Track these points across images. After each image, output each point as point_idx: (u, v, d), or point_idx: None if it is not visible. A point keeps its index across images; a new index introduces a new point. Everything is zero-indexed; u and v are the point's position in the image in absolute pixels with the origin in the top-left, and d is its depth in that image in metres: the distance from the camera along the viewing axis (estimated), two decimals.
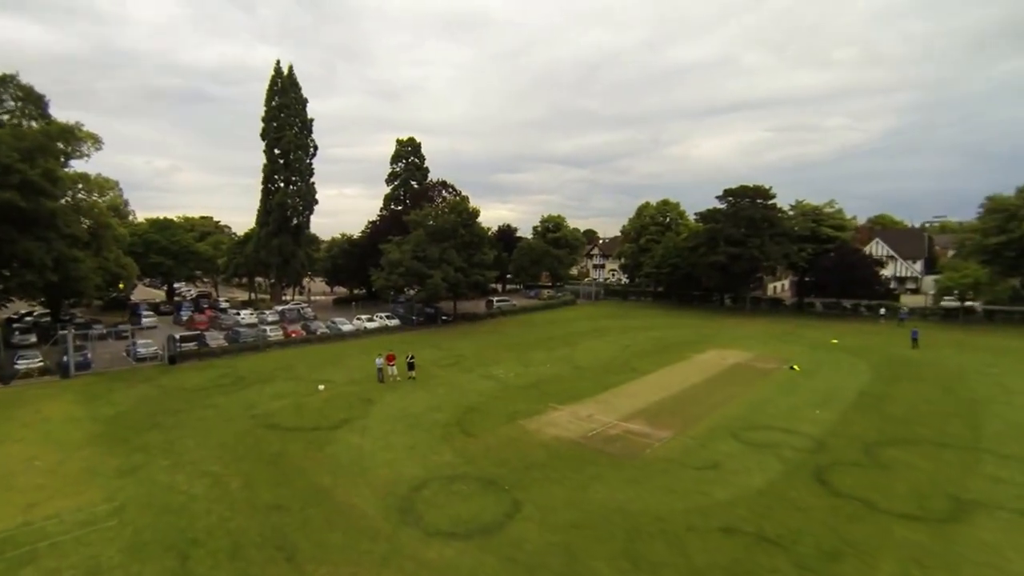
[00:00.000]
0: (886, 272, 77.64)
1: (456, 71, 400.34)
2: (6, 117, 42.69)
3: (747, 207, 70.24)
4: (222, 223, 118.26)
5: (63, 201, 48.07)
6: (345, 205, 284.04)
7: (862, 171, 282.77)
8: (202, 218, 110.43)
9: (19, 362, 37.98)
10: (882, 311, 63.36)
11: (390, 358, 36.07)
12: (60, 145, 42.46)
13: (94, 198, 53.17)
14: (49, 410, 29.75)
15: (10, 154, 35.53)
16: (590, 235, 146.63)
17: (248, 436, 25.30)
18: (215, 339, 47.18)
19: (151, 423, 27.25)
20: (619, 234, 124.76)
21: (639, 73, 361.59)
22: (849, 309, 68.63)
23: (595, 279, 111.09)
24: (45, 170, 38.10)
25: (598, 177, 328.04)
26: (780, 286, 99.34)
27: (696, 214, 75.74)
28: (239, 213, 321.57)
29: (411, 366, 36.19)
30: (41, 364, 38.29)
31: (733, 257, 67.34)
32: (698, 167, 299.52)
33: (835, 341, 49.14)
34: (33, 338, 47.42)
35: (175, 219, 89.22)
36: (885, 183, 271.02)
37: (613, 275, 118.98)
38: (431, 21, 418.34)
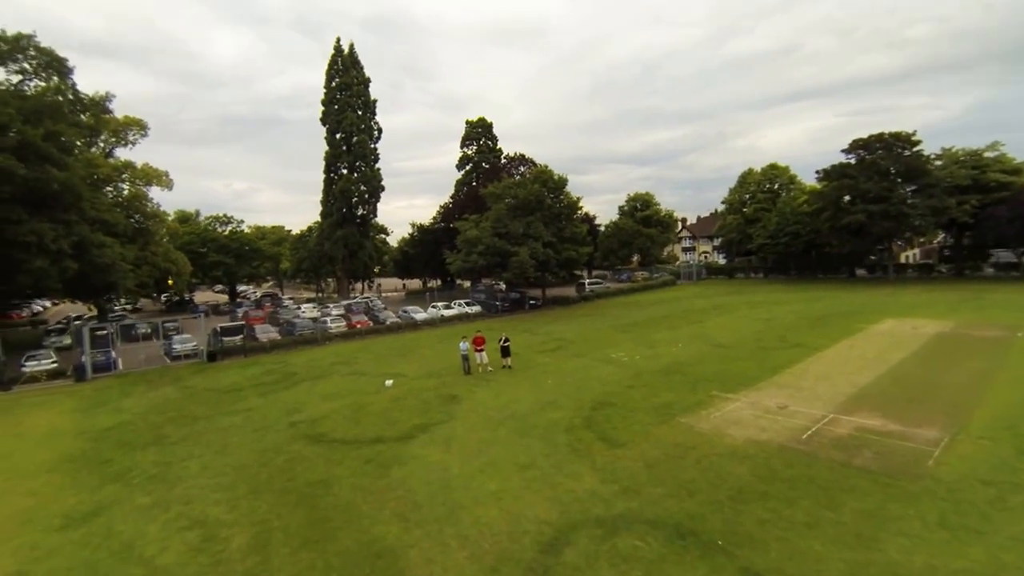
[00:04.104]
0: None
1: (517, 79, 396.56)
2: (16, 79, 35.69)
3: (883, 158, 57.30)
4: (293, 232, 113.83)
5: (107, 191, 42.78)
6: (416, 215, 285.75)
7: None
8: (273, 228, 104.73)
9: (27, 364, 32.48)
10: None
11: (478, 341, 27.11)
12: (83, 118, 36.18)
13: (138, 186, 47.64)
14: (33, 420, 23.17)
15: (4, 111, 29.01)
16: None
17: (280, 454, 17.02)
18: (266, 332, 40.23)
19: (154, 436, 19.72)
20: (707, 215, 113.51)
21: (700, 67, 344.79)
22: None
23: (687, 261, 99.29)
24: (50, 132, 31.50)
25: (664, 174, 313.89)
26: (913, 255, 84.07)
27: (819, 171, 62.73)
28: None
29: (505, 351, 27.36)
30: (54, 366, 32.59)
31: (872, 216, 54.77)
32: (766, 158, 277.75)
33: None
34: (68, 340, 42.20)
35: (247, 229, 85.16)
36: None
37: (705, 257, 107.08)
38: (490, 32, 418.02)
